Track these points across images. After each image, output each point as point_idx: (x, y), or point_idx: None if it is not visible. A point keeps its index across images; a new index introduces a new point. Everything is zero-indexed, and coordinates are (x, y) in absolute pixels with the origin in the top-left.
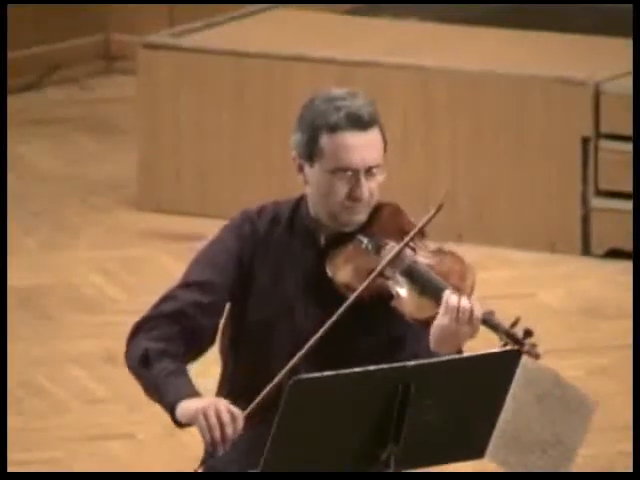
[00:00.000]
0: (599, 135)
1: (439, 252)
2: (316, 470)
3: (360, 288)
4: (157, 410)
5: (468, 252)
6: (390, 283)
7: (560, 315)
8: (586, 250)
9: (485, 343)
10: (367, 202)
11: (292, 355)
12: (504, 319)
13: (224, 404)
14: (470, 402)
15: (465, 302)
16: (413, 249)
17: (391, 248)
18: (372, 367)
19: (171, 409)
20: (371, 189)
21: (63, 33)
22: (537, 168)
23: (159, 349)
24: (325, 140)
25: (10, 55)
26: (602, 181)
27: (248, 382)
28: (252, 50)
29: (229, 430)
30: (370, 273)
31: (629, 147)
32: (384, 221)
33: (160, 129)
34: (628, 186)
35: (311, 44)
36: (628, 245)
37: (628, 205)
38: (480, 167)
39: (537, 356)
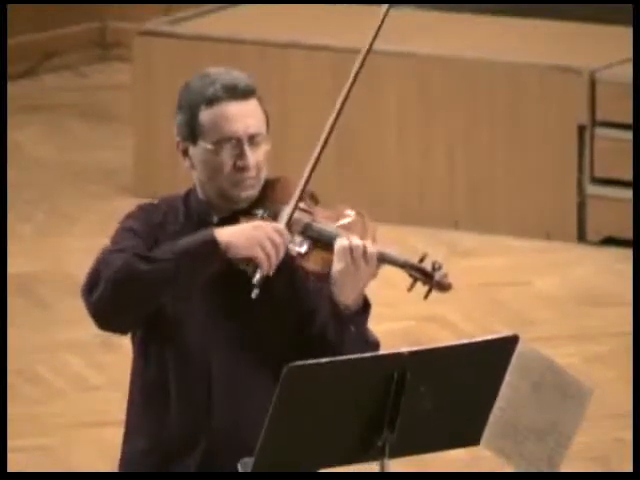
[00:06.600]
0: (595, 123)
1: (335, 210)
2: (310, 459)
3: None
4: None
5: (464, 239)
6: (290, 246)
7: (556, 303)
8: (582, 238)
9: (482, 330)
10: (255, 174)
11: (203, 350)
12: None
13: (268, 226)
14: (466, 389)
15: (356, 240)
16: (310, 212)
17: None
18: (368, 354)
19: (211, 243)
20: (257, 159)
21: (59, 20)
22: (533, 156)
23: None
24: (205, 114)
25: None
26: (598, 169)
27: (159, 379)
28: (247, 37)
29: (282, 251)
30: None
31: (625, 135)
32: (277, 194)
33: (156, 116)
34: (624, 174)
35: (306, 31)
36: (624, 233)
37: (624, 193)
38: (476, 155)
39: (449, 286)
